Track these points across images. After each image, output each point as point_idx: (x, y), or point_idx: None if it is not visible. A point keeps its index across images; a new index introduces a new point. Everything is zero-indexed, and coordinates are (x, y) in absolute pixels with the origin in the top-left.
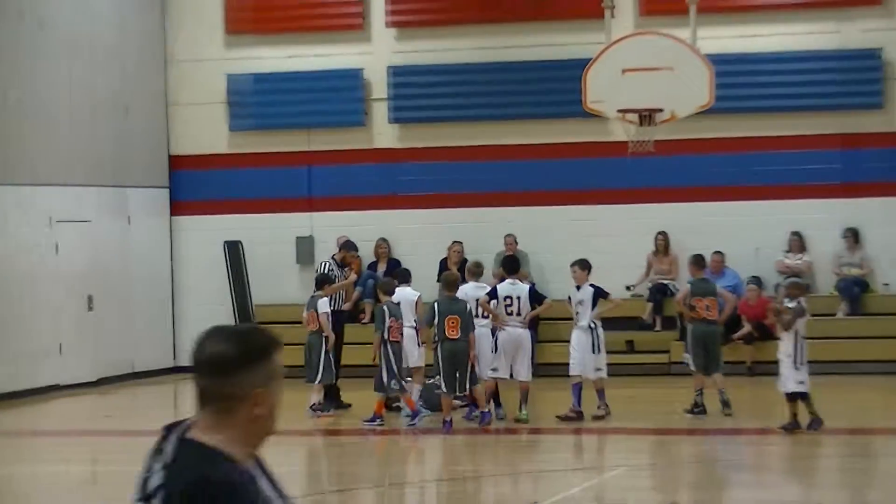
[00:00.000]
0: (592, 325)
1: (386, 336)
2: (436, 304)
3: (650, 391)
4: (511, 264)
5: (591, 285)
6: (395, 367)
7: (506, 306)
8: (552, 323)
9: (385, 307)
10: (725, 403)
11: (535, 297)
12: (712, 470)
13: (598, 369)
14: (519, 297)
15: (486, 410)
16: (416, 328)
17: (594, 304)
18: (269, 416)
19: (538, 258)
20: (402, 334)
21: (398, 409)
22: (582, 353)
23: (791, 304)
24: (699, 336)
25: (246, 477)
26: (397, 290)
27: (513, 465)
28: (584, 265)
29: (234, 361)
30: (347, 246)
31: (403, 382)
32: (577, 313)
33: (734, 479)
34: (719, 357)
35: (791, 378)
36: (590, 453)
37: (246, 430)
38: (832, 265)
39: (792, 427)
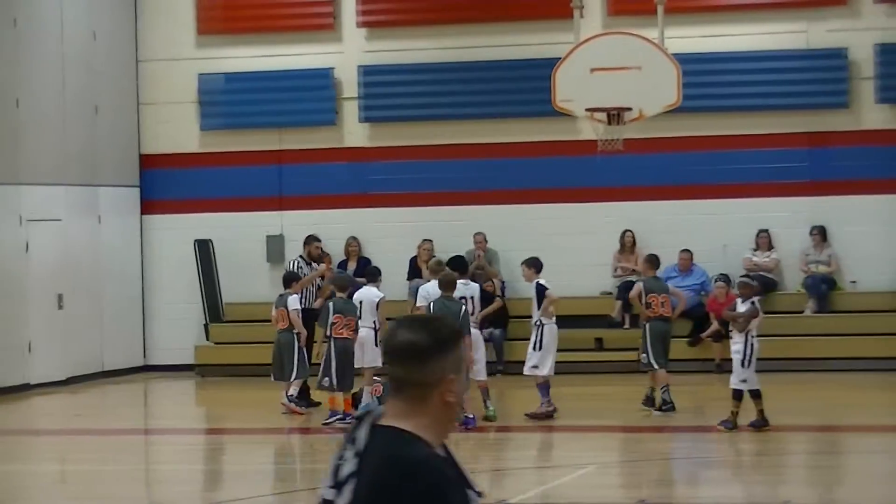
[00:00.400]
0: (539, 323)
1: (328, 332)
2: (431, 305)
3: (619, 388)
4: (460, 264)
5: (537, 283)
6: (332, 364)
7: None
8: (523, 321)
9: (330, 304)
10: (652, 400)
11: (486, 297)
12: (681, 467)
13: (534, 366)
14: (472, 297)
15: (472, 416)
16: (375, 328)
17: (539, 302)
18: (458, 404)
19: (508, 256)
20: (355, 331)
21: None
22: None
23: (743, 307)
24: (659, 333)
25: (441, 460)
26: (363, 288)
27: (482, 462)
28: (530, 263)
29: (428, 349)
30: (309, 239)
31: (335, 381)
32: None
33: (703, 476)
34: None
35: (736, 375)
36: (559, 451)
37: (437, 416)
38: (799, 263)
39: (760, 424)
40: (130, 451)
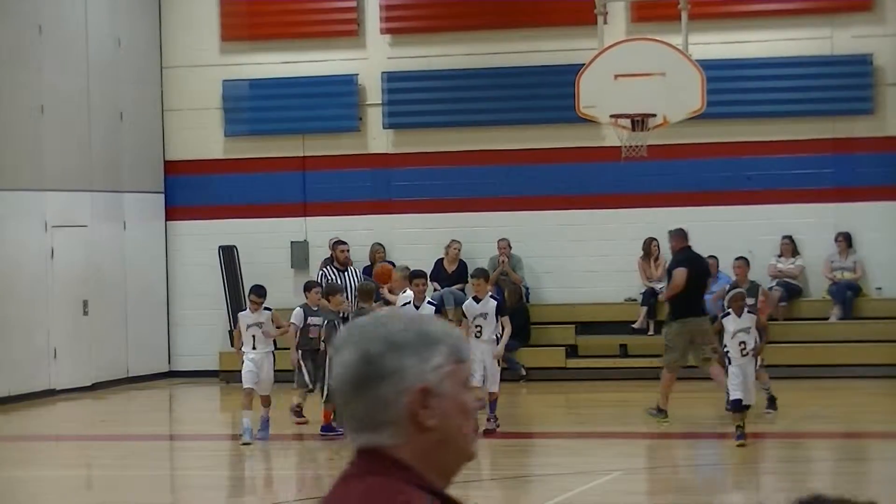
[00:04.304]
0: (497, 337)
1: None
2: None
3: (643, 395)
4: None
5: (493, 297)
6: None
7: None
8: (546, 327)
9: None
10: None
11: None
12: (706, 473)
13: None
14: (486, 314)
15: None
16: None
17: (497, 318)
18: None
19: (531, 262)
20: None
21: None
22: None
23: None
24: None
25: None
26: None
27: (506, 469)
28: (488, 276)
29: None
30: (336, 243)
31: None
32: (478, 327)
33: (727, 482)
34: None
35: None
36: (583, 457)
37: None
38: (824, 269)
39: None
40: (155, 457)
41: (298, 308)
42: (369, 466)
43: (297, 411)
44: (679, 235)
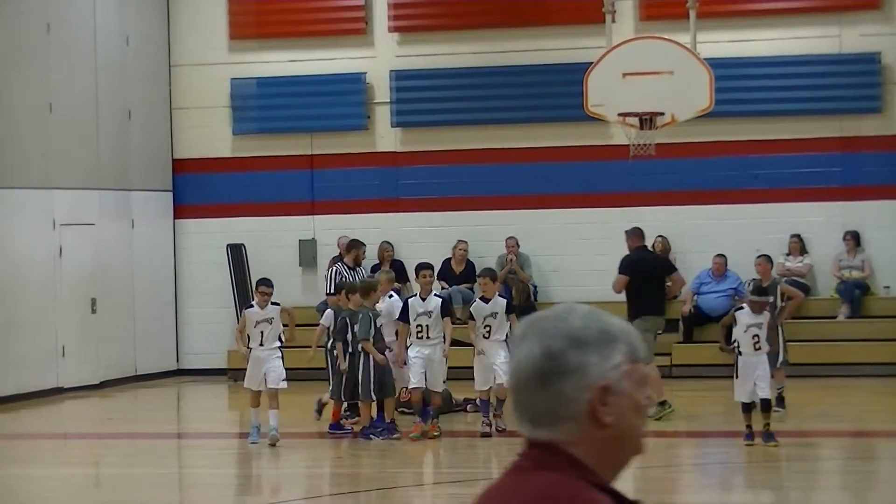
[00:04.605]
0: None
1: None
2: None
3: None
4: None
5: (501, 296)
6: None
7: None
8: None
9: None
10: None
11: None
12: (713, 472)
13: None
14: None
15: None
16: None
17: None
18: None
19: (539, 261)
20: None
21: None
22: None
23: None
24: None
25: None
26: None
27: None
28: (495, 276)
29: None
30: (356, 244)
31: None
32: (488, 327)
33: (734, 481)
34: None
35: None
36: None
37: None
38: (832, 268)
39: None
40: (163, 455)
41: (329, 310)
42: (543, 461)
43: (320, 408)
44: (635, 235)
